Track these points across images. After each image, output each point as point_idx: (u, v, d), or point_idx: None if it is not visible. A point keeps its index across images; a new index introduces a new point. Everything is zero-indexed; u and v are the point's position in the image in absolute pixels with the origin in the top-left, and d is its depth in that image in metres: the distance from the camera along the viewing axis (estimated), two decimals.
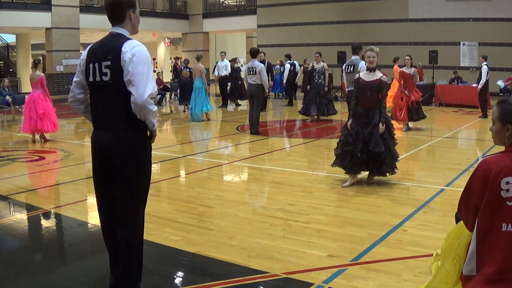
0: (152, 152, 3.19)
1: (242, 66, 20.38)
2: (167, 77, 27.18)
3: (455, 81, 18.29)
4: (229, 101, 17.72)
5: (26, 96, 10.78)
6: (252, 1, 27.92)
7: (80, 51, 22.76)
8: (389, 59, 14.87)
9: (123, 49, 2.91)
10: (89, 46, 3.15)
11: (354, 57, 9.29)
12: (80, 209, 5.46)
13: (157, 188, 6.27)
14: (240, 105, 17.83)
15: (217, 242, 4.33)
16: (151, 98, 2.92)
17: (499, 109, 2.42)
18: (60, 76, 22.94)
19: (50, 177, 7.27)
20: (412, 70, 11.07)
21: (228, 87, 17.65)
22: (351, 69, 9.11)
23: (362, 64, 8.04)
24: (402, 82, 11.03)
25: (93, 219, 4.98)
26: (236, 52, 28.82)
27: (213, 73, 18.80)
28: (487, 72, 13.22)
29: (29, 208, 5.61)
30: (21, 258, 4.15)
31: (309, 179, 6.75)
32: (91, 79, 3.04)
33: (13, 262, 4.01)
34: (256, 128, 10.67)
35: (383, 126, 5.97)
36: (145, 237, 3.32)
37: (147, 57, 2.95)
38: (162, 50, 33.40)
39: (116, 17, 3.04)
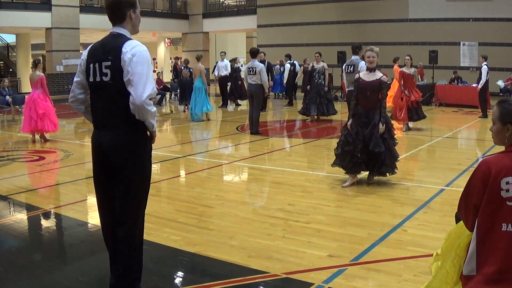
0: (152, 152, 3.20)
1: (242, 66, 20.37)
2: (167, 77, 27.18)
3: (455, 81, 18.30)
4: (229, 101, 17.72)
5: (26, 96, 10.78)
6: (252, 1, 27.93)
7: (80, 51, 22.78)
8: (389, 59, 14.88)
9: (123, 49, 2.91)
10: (89, 46, 3.14)
11: (354, 57, 9.29)
12: (80, 209, 5.46)
13: (157, 188, 6.27)
14: (240, 105, 17.83)
15: (217, 242, 4.33)
16: (150, 99, 2.91)
17: (499, 109, 2.42)
18: (60, 76, 22.94)
19: (50, 177, 7.27)
20: (412, 70, 11.07)
21: (228, 87, 17.65)
22: (351, 69, 9.11)
23: (362, 64, 8.04)
24: (402, 82, 11.03)
25: (93, 219, 4.98)
26: (236, 52, 28.84)
27: (212, 73, 18.81)
28: (487, 72, 13.22)
29: (29, 208, 5.61)
30: (21, 258, 4.14)
31: (309, 179, 6.75)
32: (91, 79, 3.04)
33: (13, 262, 4.00)
34: (256, 128, 10.67)
35: (383, 126, 5.97)
36: (145, 237, 3.32)
37: (147, 58, 2.95)
38: (162, 50, 33.40)
39: (117, 17, 3.04)
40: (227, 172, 7.57)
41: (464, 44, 18.83)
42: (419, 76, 16.98)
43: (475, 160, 7.74)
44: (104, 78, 2.96)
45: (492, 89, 15.75)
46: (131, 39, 3.02)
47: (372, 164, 6.15)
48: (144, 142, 3.09)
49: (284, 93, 19.85)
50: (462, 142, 10.73)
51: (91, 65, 3.02)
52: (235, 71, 17.59)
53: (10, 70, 25.70)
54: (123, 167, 2.99)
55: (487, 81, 13.29)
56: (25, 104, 10.41)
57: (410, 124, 11.27)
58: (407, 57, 11.11)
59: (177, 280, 3.78)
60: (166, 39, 33.20)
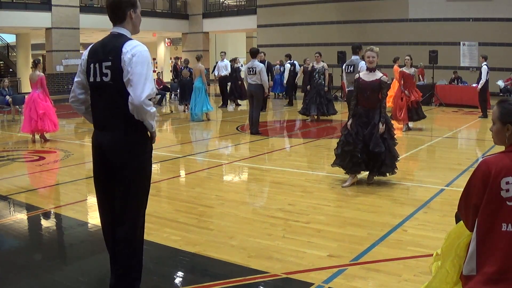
0: (152, 152, 3.19)
1: (242, 66, 20.37)
2: (167, 77, 27.19)
3: (455, 81, 18.30)
4: (229, 101, 17.72)
5: (26, 96, 10.78)
6: (252, 1, 27.93)
7: (80, 51, 22.79)
8: (389, 59, 14.88)
9: (124, 49, 2.90)
10: (90, 46, 3.14)
11: (354, 57, 9.30)
12: (80, 209, 5.46)
13: (157, 188, 6.27)
14: (240, 105, 17.83)
15: (217, 242, 4.33)
16: (150, 99, 2.91)
17: (499, 109, 2.42)
18: (60, 76, 22.94)
19: (50, 177, 7.27)
20: (412, 70, 11.07)
21: (228, 87, 17.65)
22: (351, 69, 9.12)
23: (362, 64, 8.04)
24: (402, 82, 11.03)
25: (93, 219, 4.98)
26: (236, 52, 28.83)
27: (212, 73, 18.81)
28: (487, 72, 13.22)
29: (29, 208, 5.61)
30: (21, 258, 4.15)
31: (309, 179, 6.75)
32: (91, 79, 3.03)
33: (13, 262, 4.00)
34: (256, 128, 10.67)
35: (383, 126, 5.97)
36: (145, 237, 3.32)
37: (147, 58, 2.94)
38: (162, 50, 33.40)
39: (117, 17, 3.04)
40: (227, 172, 7.57)
41: (464, 44, 18.84)
42: (420, 76, 17.01)
43: (475, 160, 7.74)
44: (105, 79, 2.96)
45: (492, 89, 15.75)
46: (131, 39, 3.01)
47: (372, 164, 6.15)
48: (144, 143, 3.09)
49: (284, 93, 19.85)
50: (462, 142, 10.73)
51: (92, 65, 3.01)
52: (235, 71, 17.58)
53: (10, 70, 25.71)
54: (123, 167, 2.99)
55: (487, 81, 13.30)
56: (25, 104, 10.41)
57: (410, 124, 11.27)
58: (407, 57, 11.12)
59: (177, 280, 3.78)
60: (166, 39, 33.21)
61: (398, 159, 6.31)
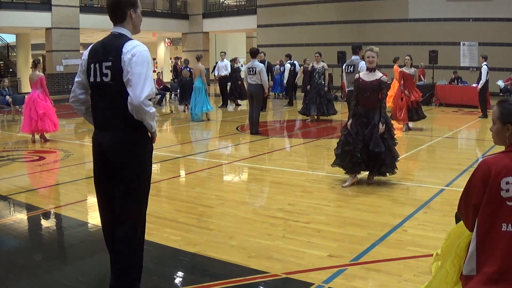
0: (152, 152, 3.19)
1: (242, 66, 20.37)
2: (167, 77, 27.18)
3: (455, 81, 18.30)
4: (229, 101, 17.72)
5: (26, 96, 10.78)
6: (252, 1, 27.93)
7: (80, 51, 22.79)
8: (389, 59, 14.88)
9: (124, 49, 2.90)
10: (90, 46, 3.13)
11: (354, 57, 9.30)
12: (80, 209, 5.46)
13: (157, 188, 6.27)
14: (240, 105, 17.83)
15: (217, 242, 4.33)
16: (149, 99, 2.91)
17: (499, 109, 2.42)
18: (60, 76, 22.94)
19: (50, 177, 7.27)
20: (412, 70, 11.07)
21: (228, 87, 17.65)
22: (351, 69, 9.12)
23: (362, 64, 8.04)
24: (402, 82, 11.03)
25: (93, 219, 4.98)
26: (236, 52, 28.84)
27: (212, 72, 18.80)
28: (487, 72, 13.22)
29: (29, 208, 5.61)
30: (21, 258, 4.15)
31: (309, 179, 6.75)
32: (92, 79, 3.03)
33: (13, 262, 4.01)
34: (256, 128, 10.67)
35: (383, 126, 5.97)
36: (145, 237, 3.32)
37: (147, 58, 2.94)
38: (162, 50, 33.40)
39: (117, 17, 3.03)
40: (227, 172, 7.57)
41: (464, 44, 18.83)
42: (420, 76, 17.01)
43: (475, 160, 7.74)
44: (105, 79, 2.96)
45: (492, 89, 15.76)
46: (131, 39, 3.01)
47: (372, 164, 6.15)
48: (144, 143, 3.09)
49: (284, 93, 19.85)
50: (462, 142, 10.73)
51: (92, 66, 3.01)
52: (235, 71, 17.59)
53: (10, 70, 25.71)
54: (123, 167, 2.99)
55: (487, 81, 13.30)
56: (25, 104, 10.41)
57: (410, 124, 11.27)
58: (407, 57, 11.12)
59: (177, 280, 3.78)
60: (166, 39, 33.21)
61: (398, 159, 6.31)
